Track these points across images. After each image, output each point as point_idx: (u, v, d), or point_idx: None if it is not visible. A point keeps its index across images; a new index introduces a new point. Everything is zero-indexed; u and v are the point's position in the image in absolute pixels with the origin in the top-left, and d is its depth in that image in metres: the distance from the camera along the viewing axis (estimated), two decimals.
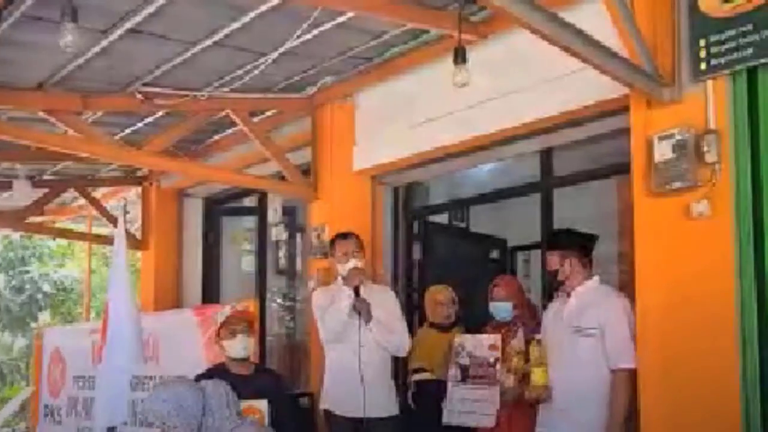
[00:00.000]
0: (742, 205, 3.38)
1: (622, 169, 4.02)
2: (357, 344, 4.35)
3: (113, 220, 7.59)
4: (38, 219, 8.55)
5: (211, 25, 4.52)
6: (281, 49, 4.80)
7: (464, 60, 3.97)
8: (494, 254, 6.67)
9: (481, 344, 4.27)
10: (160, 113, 5.90)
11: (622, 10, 3.48)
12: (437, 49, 4.75)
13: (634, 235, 3.76)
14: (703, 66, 3.51)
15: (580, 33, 3.24)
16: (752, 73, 3.40)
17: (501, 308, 4.34)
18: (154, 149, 6.07)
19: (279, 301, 7.31)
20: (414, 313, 5.54)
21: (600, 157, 4.67)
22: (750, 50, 3.36)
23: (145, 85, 5.35)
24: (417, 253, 5.71)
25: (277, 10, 4.29)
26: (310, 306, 4.79)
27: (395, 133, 5.21)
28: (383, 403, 4.44)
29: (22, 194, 7.27)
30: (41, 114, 5.38)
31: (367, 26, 4.67)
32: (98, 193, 8.20)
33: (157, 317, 6.47)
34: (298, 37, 4.58)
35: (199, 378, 3.86)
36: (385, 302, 4.56)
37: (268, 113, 6.13)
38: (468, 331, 4.58)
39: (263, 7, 4.27)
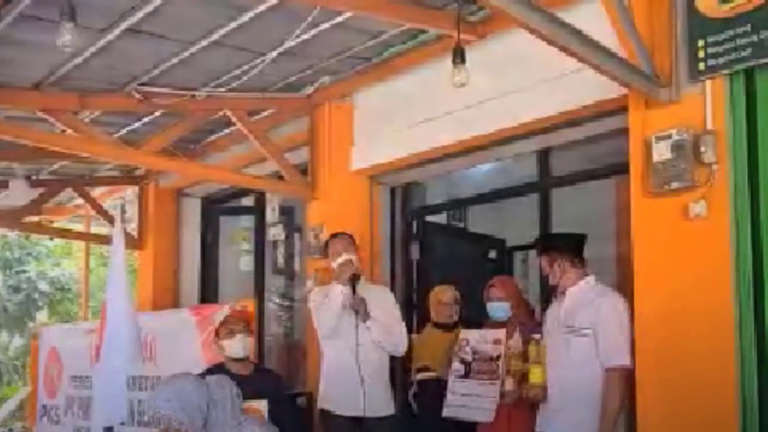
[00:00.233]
0: (739, 205, 3.39)
1: (620, 169, 4.02)
2: (354, 343, 4.35)
3: (111, 220, 7.59)
4: (35, 218, 8.55)
5: (210, 24, 4.52)
6: (279, 49, 4.81)
7: (463, 60, 3.96)
8: (492, 254, 6.68)
9: (485, 338, 4.27)
10: (158, 113, 5.90)
11: (621, 10, 3.49)
12: (436, 49, 4.75)
13: (632, 235, 3.76)
14: (701, 66, 3.52)
15: (578, 33, 3.24)
16: (750, 73, 3.41)
17: (498, 308, 4.34)
18: (152, 149, 6.05)
19: (277, 300, 7.30)
20: (412, 313, 5.54)
21: (598, 157, 4.67)
22: (748, 51, 3.36)
23: (143, 84, 5.34)
24: (415, 253, 5.70)
25: (275, 9, 4.29)
26: (308, 306, 4.79)
27: (393, 133, 5.21)
28: (382, 402, 4.45)
29: (20, 193, 7.27)
30: (39, 113, 5.37)
31: (365, 26, 4.67)
32: (96, 192, 8.18)
33: (155, 317, 6.43)
34: (297, 36, 4.59)
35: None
36: (384, 302, 4.56)
37: (266, 113, 6.12)
38: None
39: (261, 7, 4.27)
